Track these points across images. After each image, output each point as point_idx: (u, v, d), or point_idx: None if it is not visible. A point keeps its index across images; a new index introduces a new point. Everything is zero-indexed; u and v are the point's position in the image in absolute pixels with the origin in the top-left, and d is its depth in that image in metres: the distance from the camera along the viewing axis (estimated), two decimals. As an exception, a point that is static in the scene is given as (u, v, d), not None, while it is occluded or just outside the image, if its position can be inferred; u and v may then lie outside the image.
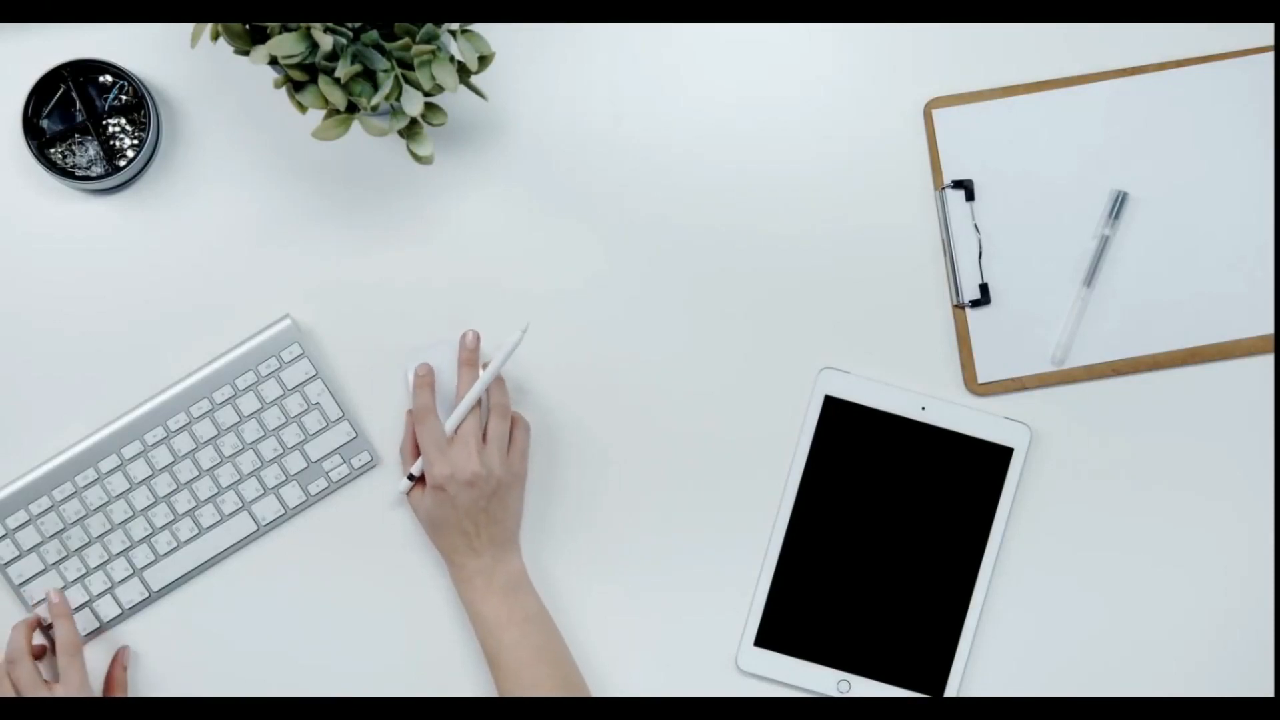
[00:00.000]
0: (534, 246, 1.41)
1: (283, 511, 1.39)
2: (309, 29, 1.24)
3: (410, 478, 1.36)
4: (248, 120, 1.40)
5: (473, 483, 1.33)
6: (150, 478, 1.38)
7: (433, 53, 1.26)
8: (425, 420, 1.34)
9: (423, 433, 1.34)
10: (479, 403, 1.34)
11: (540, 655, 1.34)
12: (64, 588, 1.38)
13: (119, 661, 1.38)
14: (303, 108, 1.27)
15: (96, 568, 1.38)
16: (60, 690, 1.33)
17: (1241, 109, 1.41)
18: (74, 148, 1.39)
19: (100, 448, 1.38)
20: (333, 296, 1.40)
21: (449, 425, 1.33)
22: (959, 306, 1.40)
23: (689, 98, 1.41)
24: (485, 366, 1.36)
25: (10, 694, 1.33)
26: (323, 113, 1.29)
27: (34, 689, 1.32)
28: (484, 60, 1.29)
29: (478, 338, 1.36)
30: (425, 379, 1.35)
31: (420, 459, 1.35)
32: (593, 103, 1.41)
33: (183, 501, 1.38)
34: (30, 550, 1.37)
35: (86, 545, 1.38)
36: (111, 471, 1.38)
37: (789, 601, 1.39)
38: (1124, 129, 1.41)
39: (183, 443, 1.38)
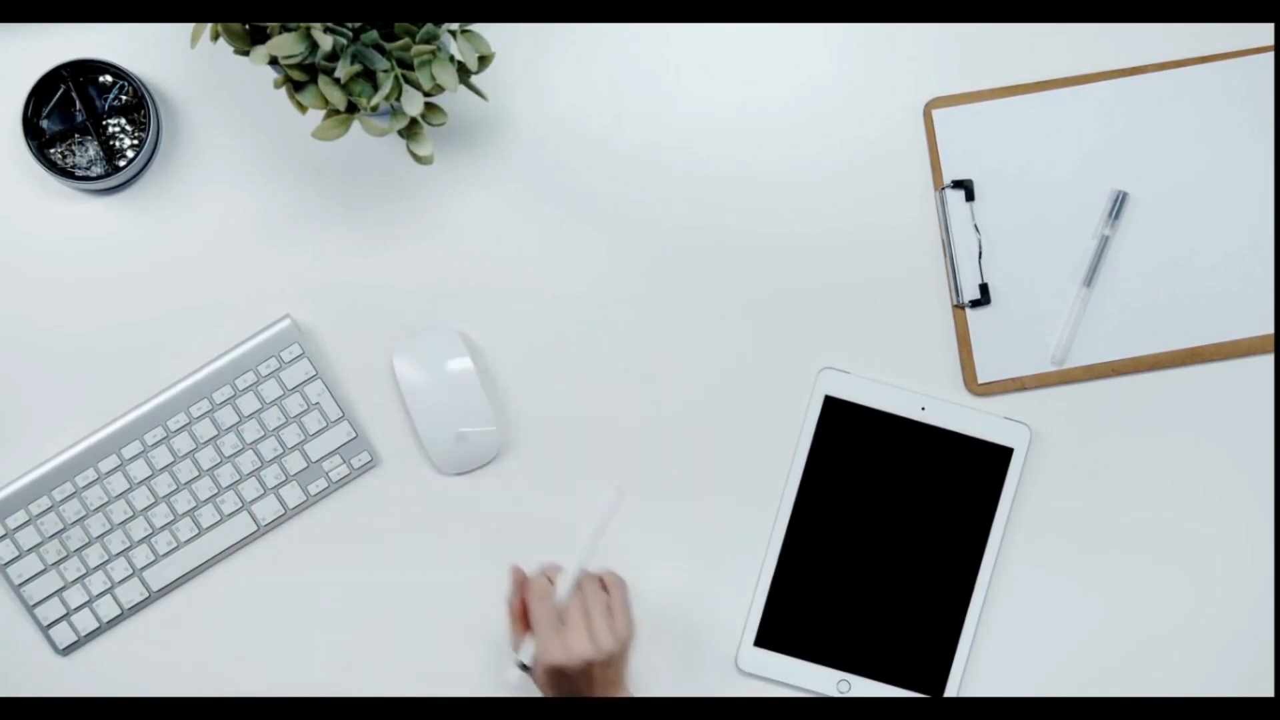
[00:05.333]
0: (534, 246, 1.41)
1: (282, 512, 1.39)
2: (309, 29, 1.24)
3: (522, 667, 1.29)
4: (248, 120, 1.40)
5: (590, 662, 1.28)
6: (150, 478, 1.38)
7: (433, 53, 1.26)
8: (540, 600, 1.28)
9: (538, 612, 1.28)
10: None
11: None
12: (64, 588, 1.38)
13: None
14: (303, 108, 1.27)
15: (96, 568, 1.38)
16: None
17: (1241, 109, 1.41)
18: (74, 148, 1.38)
19: (100, 448, 1.38)
20: (333, 296, 1.40)
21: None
22: (959, 307, 1.40)
23: (689, 98, 1.41)
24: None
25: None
26: (323, 113, 1.29)
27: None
28: (484, 60, 1.29)
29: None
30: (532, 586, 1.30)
31: (528, 638, 1.29)
32: (593, 102, 1.41)
33: (182, 501, 1.38)
34: (30, 550, 1.37)
35: (86, 545, 1.38)
36: (111, 471, 1.38)
37: (789, 601, 1.39)
38: (1124, 129, 1.41)
39: (182, 443, 1.38)
